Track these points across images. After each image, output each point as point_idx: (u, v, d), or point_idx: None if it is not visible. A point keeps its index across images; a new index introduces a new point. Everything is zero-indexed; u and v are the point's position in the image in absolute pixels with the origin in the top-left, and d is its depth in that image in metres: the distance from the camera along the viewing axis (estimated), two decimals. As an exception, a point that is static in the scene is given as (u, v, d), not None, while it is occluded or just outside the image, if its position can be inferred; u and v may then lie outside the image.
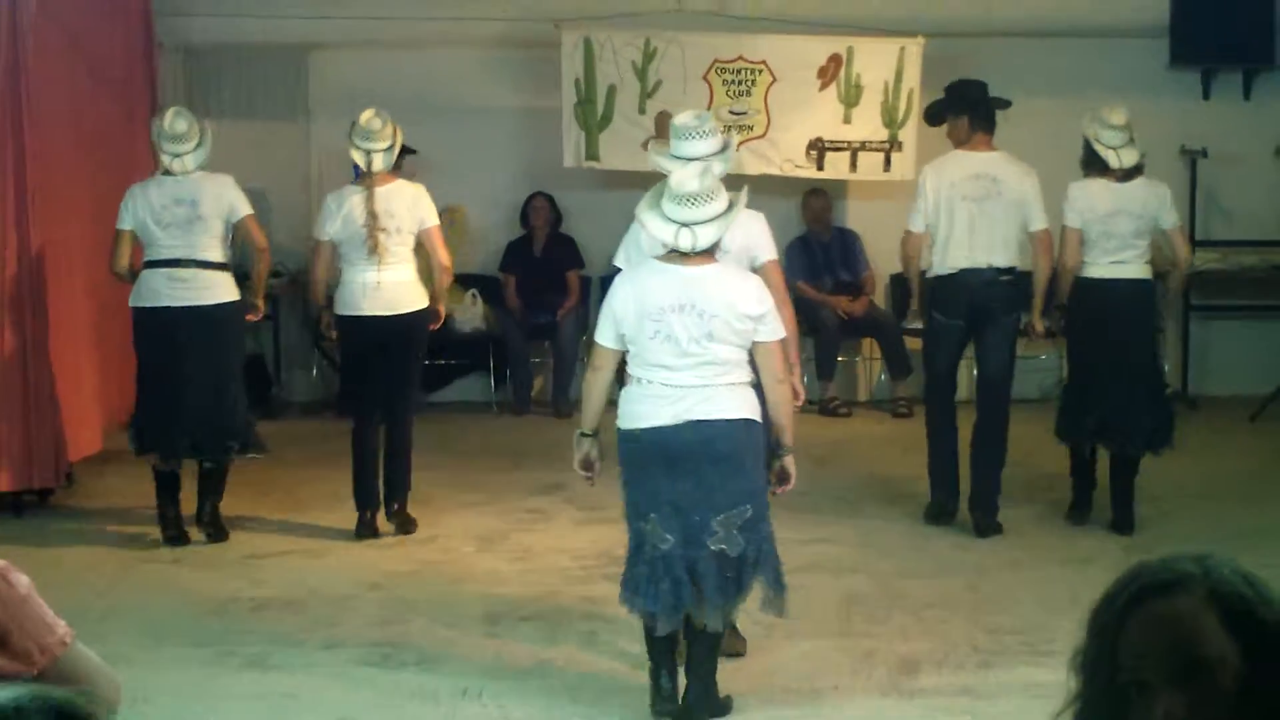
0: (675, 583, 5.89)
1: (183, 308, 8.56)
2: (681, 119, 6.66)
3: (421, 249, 8.95)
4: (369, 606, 7.63)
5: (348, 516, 9.02)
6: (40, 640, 2.76)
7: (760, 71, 12.55)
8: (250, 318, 9.16)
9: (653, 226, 5.95)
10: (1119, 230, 8.74)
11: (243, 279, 8.95)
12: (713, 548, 5.89)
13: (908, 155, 12.22)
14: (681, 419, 5.88)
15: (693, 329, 5.86)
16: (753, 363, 6.04)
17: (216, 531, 8.81)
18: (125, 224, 8.69)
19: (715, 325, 5.86)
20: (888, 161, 12.57)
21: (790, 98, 12.50)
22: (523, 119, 13.00)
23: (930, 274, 8.97)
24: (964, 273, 8.76)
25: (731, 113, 12.52)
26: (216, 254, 8.67)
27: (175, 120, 8.65)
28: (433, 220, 8.88)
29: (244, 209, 8.75)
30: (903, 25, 12.41)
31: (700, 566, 5.89)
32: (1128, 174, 8.76)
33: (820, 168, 12.65)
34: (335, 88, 12.85)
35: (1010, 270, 8.79)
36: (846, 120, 12.55)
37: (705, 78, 12.52)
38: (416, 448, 9.08)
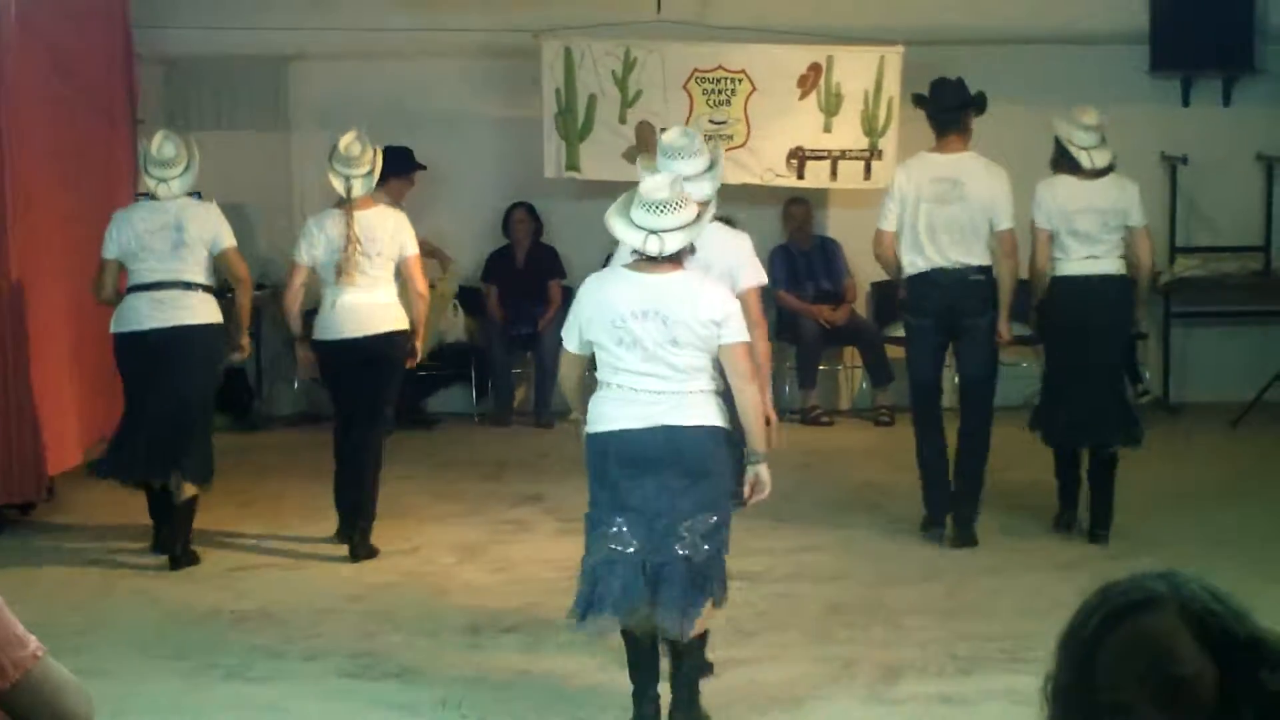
0: (627, 584, 5.84)
1: (165, 329, 8.48)
2: (670, 138, 6.69)
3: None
4: (350, 618, 7.61)
5: (329, 528, 9.02)
6: (12, 655, 2.74)
7: (740, 81, 12.57)
8: (237, 357, 9.17)
9: (621, 232, 5.98)
10: (1085, 227, 8.78)
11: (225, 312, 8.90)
12: (680, 552, 5.88)
13: (888, 163, 12.23)
14: (652, 423, 5.90)
15: (657, 335, 5.89)
16: (720, 370, 6.06)
17: (187, 560, 8.60)
18: (110, 253, 8.64)
19: (679, 331, 5.89)
20: (868, 170, 12.60)
21: (770, 107, 12.52)
22: (503, 129, 13.01)
23: (903, 275, 8.96)
24: (935, 272, 8.77)
25: (712, 122, 12.54)
26: (200, 276, 8.62)
27: (163, 145, 8.62)
28: (412, 249, 8.83)
29: (227, 240, 8.69)
30: (882, 34, 12.44)
31: (665, 572, 5.86)
32: (1097, 174, 8.82)
33: (801, 176, 12.68)
34: (315, 98, 12.87)
35: (982, 270, 8.79)
36: (827, 129, 12.59)
37: (685, 87, 12.54)
38: (399, 459, 9.10)
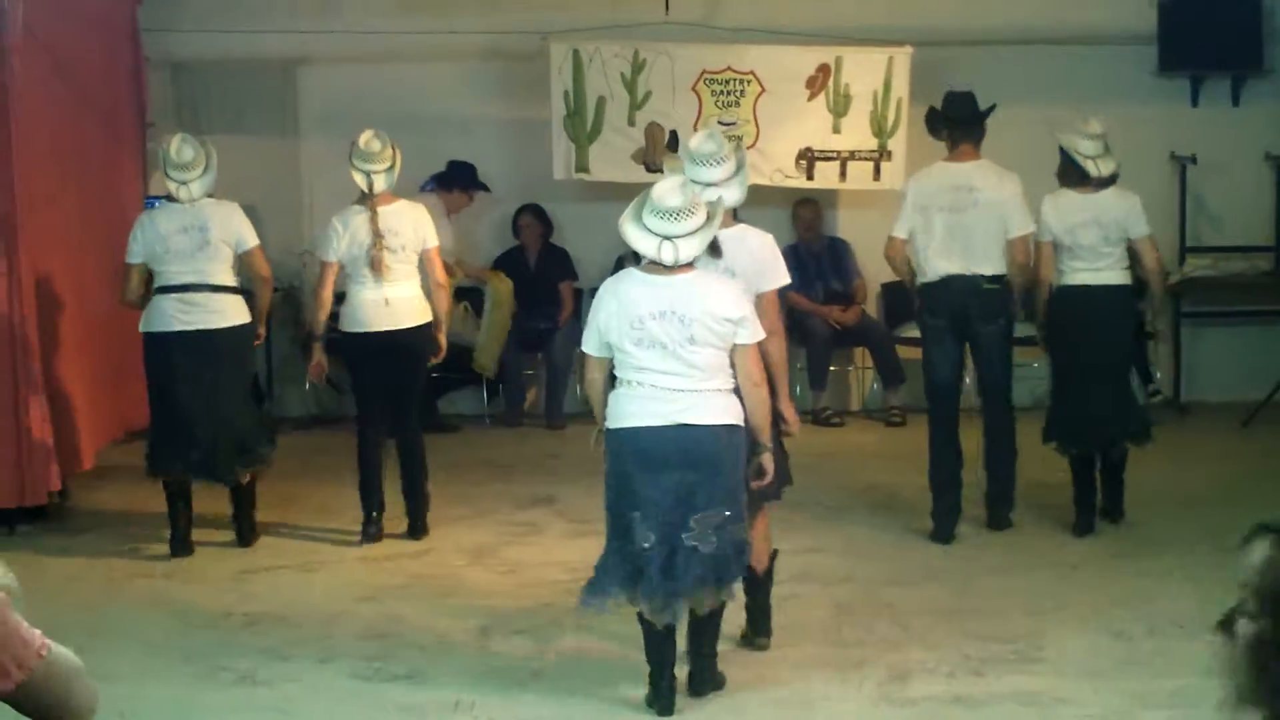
0: (645, 574, 6.09)
1: (195, 331, 8.68)
2: (698, 144, 6.71)
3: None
4: (360, 620, 7.62)
5: (340, 530, 9.08)
6: (17, 654, 2.76)
7: (749, 82, 12.56)
8: (254, 344, 9.34)
9: (634, 238, 6.08)
10: (1089, 240, 8.88)
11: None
12: (688, 544, 6.07)
13: (897, 164, 12.24)
14: (670, 420, 6.07)
15: (675, 334, 6.03)
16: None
17: (253, 535, 9.07)
18: (135, 257, 8.78)
19: (696, 329, 6.04)
20: (877, 171, 12.58)
21: (779, 108, 12.51)
22: (512, 131, 13.02)
23: (919, 283, 9.06)
24: (949, 279, 8.87)
25: (721, 123, 12.49)
26: (227, 278, 8.81)
27: (182, 148, 8.74)
28: (433, 241, 9.04)
29: (251, 240, 8.88)
30: (891, 35, 12.42)
31: (677, 561, 6.07)
32: (1103, 183, 8.90)
33: (810, 177, 12.66)
34: (324, 102, 12.88)
35: (996, 278, 8.88)
36: (836, 130, 12.56)
37: (694, 89, 12.53)
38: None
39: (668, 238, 6.00)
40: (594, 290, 6.79)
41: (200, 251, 8.67)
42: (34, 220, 9.16)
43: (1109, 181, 8.93)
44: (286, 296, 12.24)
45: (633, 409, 6.14)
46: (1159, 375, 12.90)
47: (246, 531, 9.05)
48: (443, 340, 9.15)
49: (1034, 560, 8.47)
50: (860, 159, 12.60)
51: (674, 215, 5.99)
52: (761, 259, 6.73)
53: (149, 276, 8.80)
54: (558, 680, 6.69)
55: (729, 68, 12.55)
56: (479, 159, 12.78)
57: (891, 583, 8.11)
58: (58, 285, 9.47)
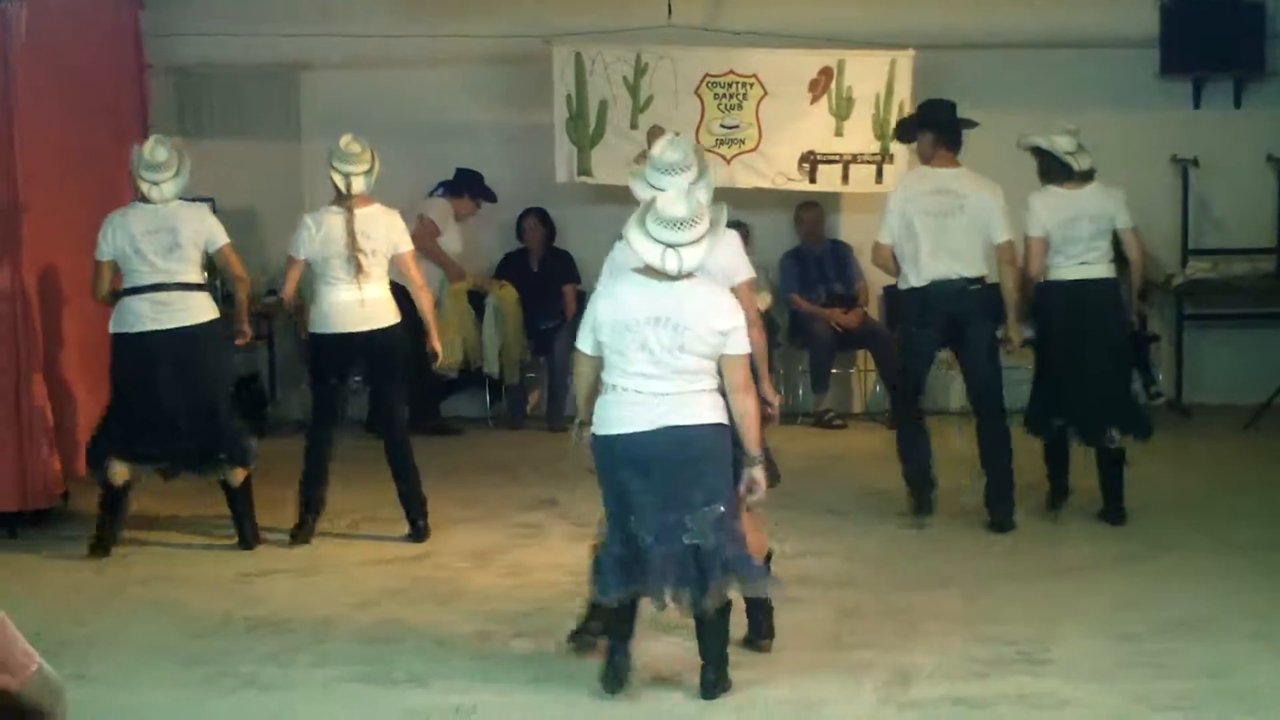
0: (651, 576, 6.20)
1: (167, 330, 8.75)
2: (661, 150, 6.74)
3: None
4: (361, 624, 7.59)
5: (341, 533, 9.08)
6: (25, 650, 2.78)
7: (751, 85, 12.57)
8: (239, 342, 9.39)
9: (639, 247, 6.15)
10: (1080, 234, 9.06)
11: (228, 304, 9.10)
12: (686, 542, 6.17)
13: (900, 167, 12.25)
14: (657, 425, 6.15)
15: (666, 340, 6.12)
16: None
17: (256, 539, 9.07)
18: (105, 255, 8.83)
19: (688, 338, 6.12)
20: (880, 173, 12.61)
21: (782, 111, 12.53)
22: (514, 135, 13.02)
23: (902, 287, 9.23)
24: (935, 284, 9.01)
25: (723, 126, 12.55)
26: (195, 276, 8.88)
27: (155, 149, 8.80)
28: (406, 246, 9.10)
29: (222, 238, 8.95)
30: (893, 38, 12.43)
31: (676, 560, 6.16)
32: (1084, 178, 9.08)
33: (812, 180, 12.69)
34: (327, 106, 12.87)
35: (979, 280, 9.04)
36: (838, 133, 12.60)
37: (697, 92, 12.55)
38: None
39: (672, 246, 6.08)
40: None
41: (170, 253, 8.73)
42: (37, 223, 9.18)
43: (1089, 176, 9.11)
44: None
45: (621, 415, 6.21)
46: (1160, 377, 12.89)
47: (248, 534, 9.05)
48: (435, 343, 9.23)
49: (1038, 562, 8.47)
50: (863, 162, 12.62)
51: (679, 225, 6.08)
52: (730, 255, 6.76)
53: (118, 275, 8.85)
54: (560, 684, 6.67)
55: (731, 71, 12.56)
56: (482, 163, 12.78)
57: (895, 585, 8.10)
58: (61, 289, 9.47)
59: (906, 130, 9.65)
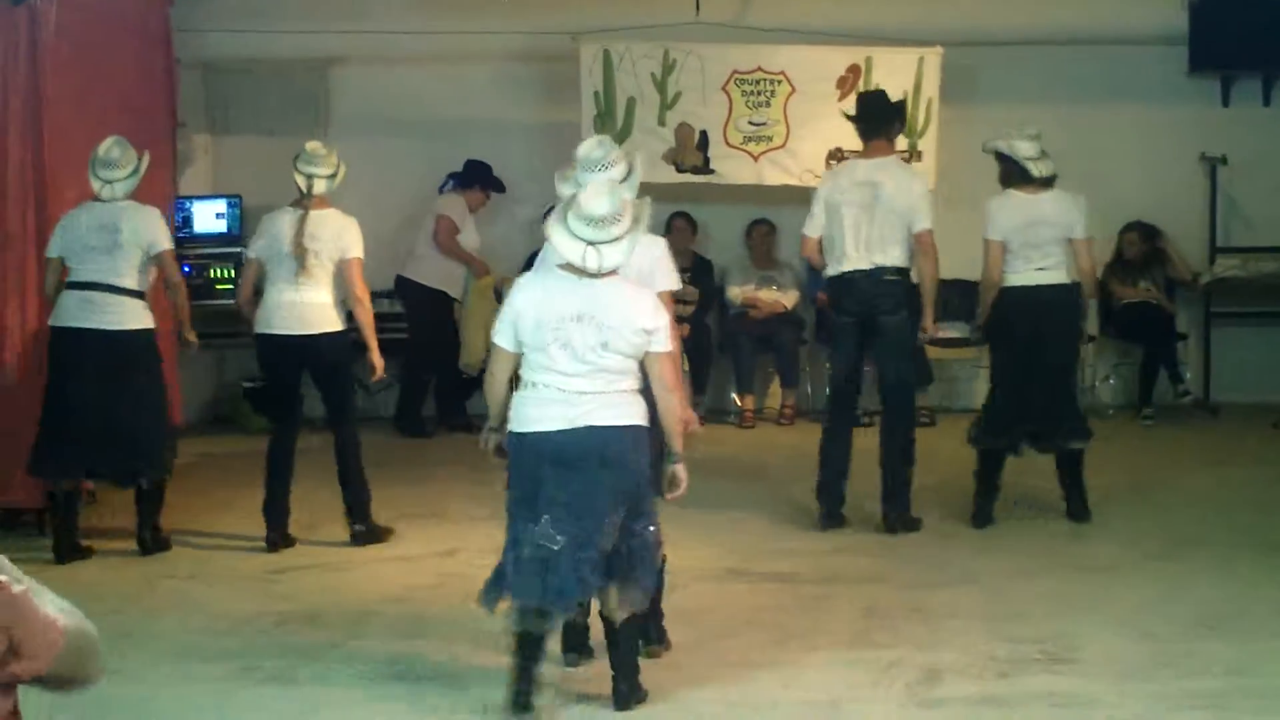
0: (563, 578, 6.02)
1: (91, 330, 8.66)
2: (586, 150, 6.76)
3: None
4: (390, 620, 7.61)
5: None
6: (48, 639, 2.81)
7: (779, 82, 12.58)
8: (190, 352, 9.39)
9: (560, 243, 6.05)
10: (1039, 239, 9.04)
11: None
12: (602, 545, 6.05)
13: (927, 164, 12.23)
14: (576, 424, 6.02)
15: (589, 338, 6.00)
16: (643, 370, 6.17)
17: (156, 546, 8.97)
18: (53, 251, 8.83)
19: (611, 336, 6.01)
20: (907, 171, 12.57)
21: (809, 108, 12.53)
22: (542, 132, 13.02)
23: (826, 275, 9.27)
24: (853, 273, 9.02)
25: (751, 123, 12.56)
26: (131, 281, 8.75)
27: (111, 148, 8.75)
28: (355, 253, 8.94)
29: (164, 244, 8.84)
30: (921, 35, 12.42)
31: (591, 563, 6.03)
32: (1044, 183, 9.06)
33: (840, 178, 12.66)
34: (355, 103, 12.92)
35: (897, 270, 9.01)
36: (866, 130, 12.56)
37: (724, 89, 12.56)
38: (437, 461, 9.14)
39: (592, 244, 5.98)
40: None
41: (109, 252, 8.66)
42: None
43: (1050, 182, 9.08)
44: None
45: (539, 413, 6.08)
46: (1188, 376, 12.87)
47: (148, 540, 8.94)
48: (375, 358, 9.07)
49: (1062, 562, 8.46)
50: (890, 159, 12.59)
51: (599, 223, 5.97)
52: (653, 260, 6.68)
53: (66, 271, 8.80)
54: (588, 680, 6.68)
55: (759, 68, 12.57)
56: (509, 159, 12.80)
57: (919, 584, 8.10)
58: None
59: (856, 128, 9.48)
